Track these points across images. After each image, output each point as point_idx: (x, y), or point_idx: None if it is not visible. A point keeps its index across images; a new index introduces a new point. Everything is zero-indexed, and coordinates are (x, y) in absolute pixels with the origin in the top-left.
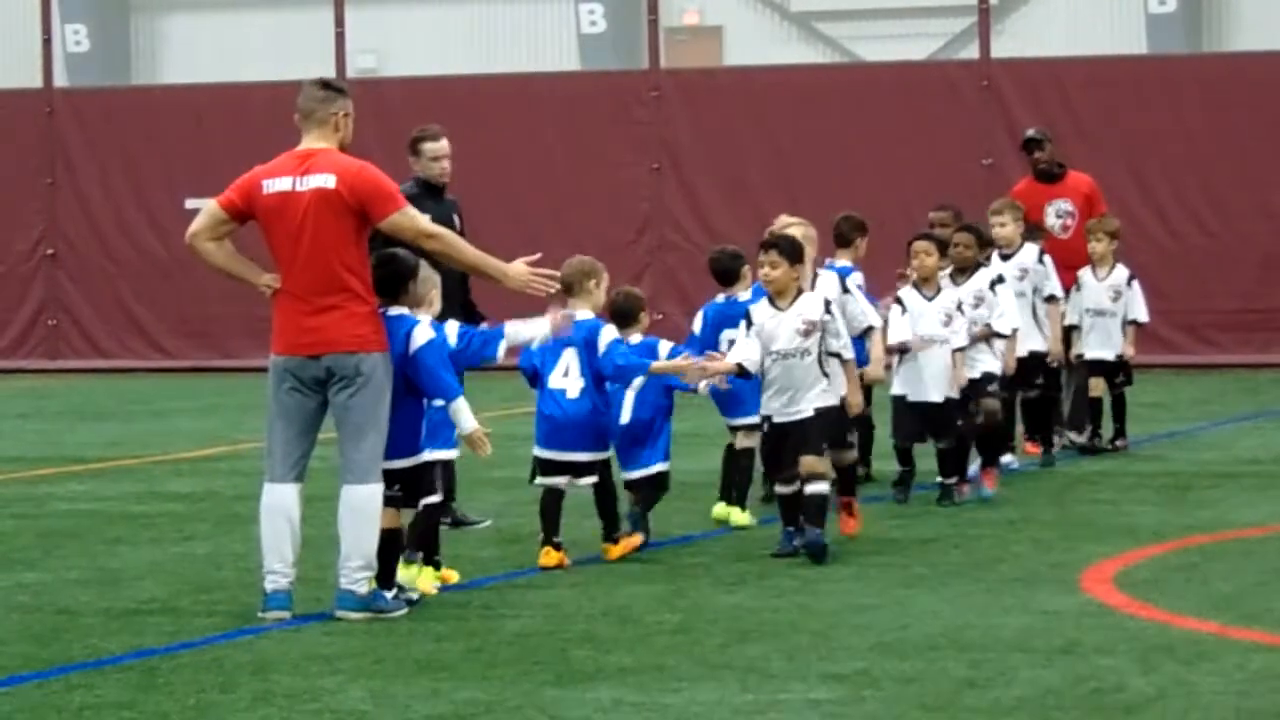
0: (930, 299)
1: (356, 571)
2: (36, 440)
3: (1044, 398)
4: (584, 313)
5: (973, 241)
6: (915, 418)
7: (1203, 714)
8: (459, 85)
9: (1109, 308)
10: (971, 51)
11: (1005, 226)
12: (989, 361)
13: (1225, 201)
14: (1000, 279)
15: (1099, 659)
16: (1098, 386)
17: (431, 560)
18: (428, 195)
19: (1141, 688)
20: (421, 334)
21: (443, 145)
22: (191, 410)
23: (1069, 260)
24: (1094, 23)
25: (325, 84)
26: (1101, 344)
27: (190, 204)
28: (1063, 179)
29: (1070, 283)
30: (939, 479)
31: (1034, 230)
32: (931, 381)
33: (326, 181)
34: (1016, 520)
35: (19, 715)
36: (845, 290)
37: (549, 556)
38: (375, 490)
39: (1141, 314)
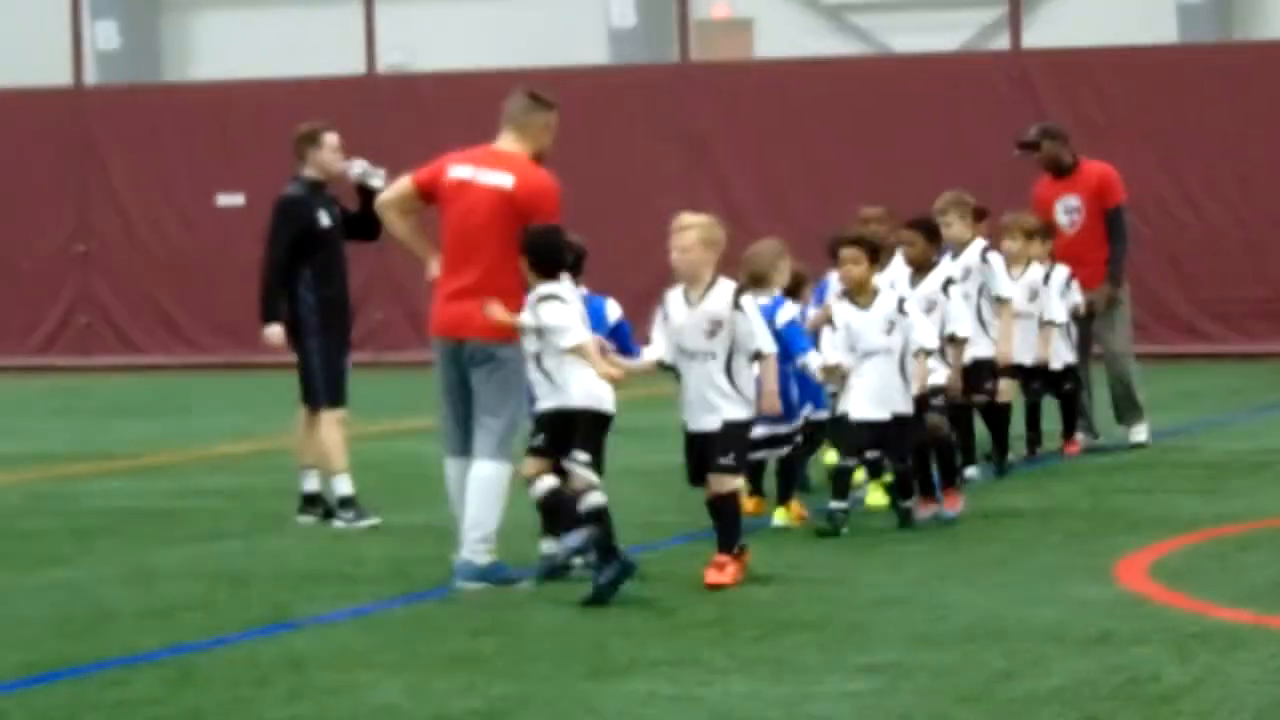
0: (866, 309)
1: (477, 543)
2: (70, 437)
3: (994, 404)
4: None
5: (918, 238)
6: (864, 434)
7: (1237, 703)
8: (489, 80)
9: (1025, 308)
10: (1002, 42)
11: (951, 226)
12: (940, 373)
13: (1257, 190)
14: (951, 280)
15: (1133, 649)
16: (1008, 391)
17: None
18: (316, 192)
19: (1176, 677)
20: (614, 310)
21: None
22: (225, 406)
23: (1077, 258)
24: (1124, 12)
25: (533, 95)
26: (1019, 347)
27: (221, 200)
28: (1074, 173)
29: (1085, 279)
30: (899, 503)
31: (1045, 230)
32: (878, 397)
33: (505, 181)
34: (1050, 511)
35: (54, 712)
36: (737, 307)
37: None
38: (501, 469)
39: (1057, 314)
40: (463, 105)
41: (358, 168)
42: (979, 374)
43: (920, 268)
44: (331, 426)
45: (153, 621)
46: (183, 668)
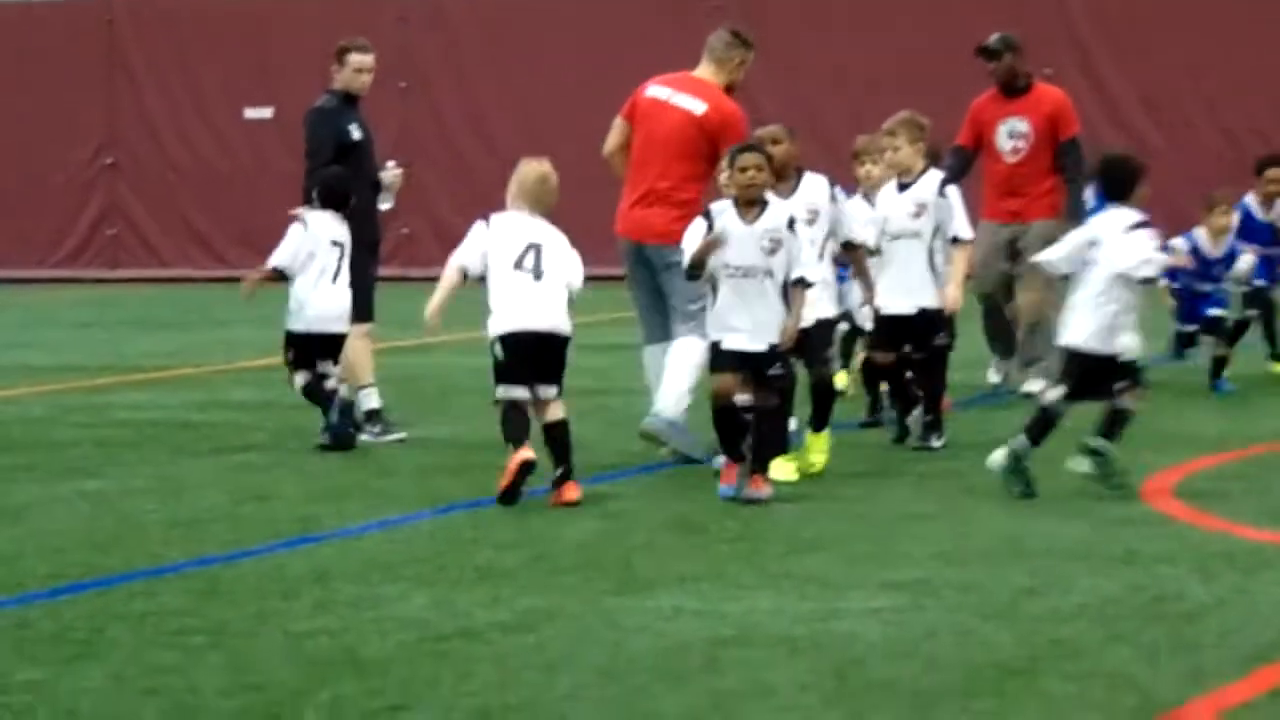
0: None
1: (669, 398)
2: (97, 349)
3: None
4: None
5: (762, 163)
6: (736, 362)
7: (1262, 623)
8: (519, 2)
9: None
10: None
11: (899, 150)
12: (822, 305)
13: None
14: (794, 220)
15: (1158, 568)
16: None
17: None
18: (348, 105)
19: (1200, 596)
20: None
21: (369, 59)
22: (251, 320)
23: (1015, 188)
24: None
25: (735, 33)
26: (894, 292)
27: (249, 113)
28: (1025, 94)
29: (1019, 210)
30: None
31: (939, 155)
32: (760, 328)
33: (697, 107)
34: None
35: (80, 623)
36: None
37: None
38: (696, 343)
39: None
40: (490, 28)
41: (389, 176)
42: (923, 328)
43: (751, 202)
44: (358, 340)
45: (179, 533)
46: (209, 580)
